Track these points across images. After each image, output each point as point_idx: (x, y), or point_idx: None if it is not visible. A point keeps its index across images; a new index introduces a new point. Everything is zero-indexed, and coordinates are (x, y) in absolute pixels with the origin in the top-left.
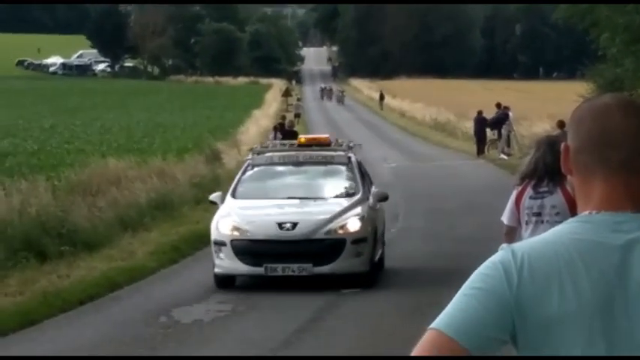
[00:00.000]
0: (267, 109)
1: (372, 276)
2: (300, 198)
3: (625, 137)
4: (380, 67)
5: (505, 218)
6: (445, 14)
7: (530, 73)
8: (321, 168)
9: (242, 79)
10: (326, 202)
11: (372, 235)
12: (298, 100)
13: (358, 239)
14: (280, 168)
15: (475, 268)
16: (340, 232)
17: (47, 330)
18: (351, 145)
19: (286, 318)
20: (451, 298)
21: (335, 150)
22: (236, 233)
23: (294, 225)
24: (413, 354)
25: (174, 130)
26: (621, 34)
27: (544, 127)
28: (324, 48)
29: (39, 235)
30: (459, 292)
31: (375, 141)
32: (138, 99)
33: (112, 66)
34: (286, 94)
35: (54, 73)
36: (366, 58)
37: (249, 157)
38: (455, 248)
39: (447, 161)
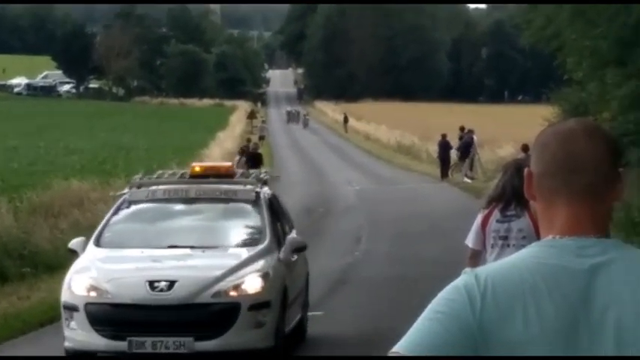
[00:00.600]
0: (231, 131)
1: (279, 353)
2: (185, 247)
3: (590, 162)
4: (346, 90)
5: (470, 241)
6: (412, 38)
7: (495, 96)
8: (219, 206)
9: (207, 101)
10: (220, 252)
11: (279, 298)
12: (263, 122)
13: (258, 304)
14: (165, 206)
15: (439, 292)
16: (233, 294)
17: (6, 351)
18: (263, 176)
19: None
20: (412, 323)
21: (240, 183)
22: (93, 294)
23: (171, 284)
24: None
25: (139, 152)
26: (588, 59)
27: (509, 151)
28: (290, 70)
29: (0, 257)
30: (422, 316)
31: (340, 163)
32: (102, 120)
33: (77, 87)
34: (251, 116)
35: (19, 93)
36: (332, 81)
37: (126, 190)
38: (419, 271)
39: (411, 184)
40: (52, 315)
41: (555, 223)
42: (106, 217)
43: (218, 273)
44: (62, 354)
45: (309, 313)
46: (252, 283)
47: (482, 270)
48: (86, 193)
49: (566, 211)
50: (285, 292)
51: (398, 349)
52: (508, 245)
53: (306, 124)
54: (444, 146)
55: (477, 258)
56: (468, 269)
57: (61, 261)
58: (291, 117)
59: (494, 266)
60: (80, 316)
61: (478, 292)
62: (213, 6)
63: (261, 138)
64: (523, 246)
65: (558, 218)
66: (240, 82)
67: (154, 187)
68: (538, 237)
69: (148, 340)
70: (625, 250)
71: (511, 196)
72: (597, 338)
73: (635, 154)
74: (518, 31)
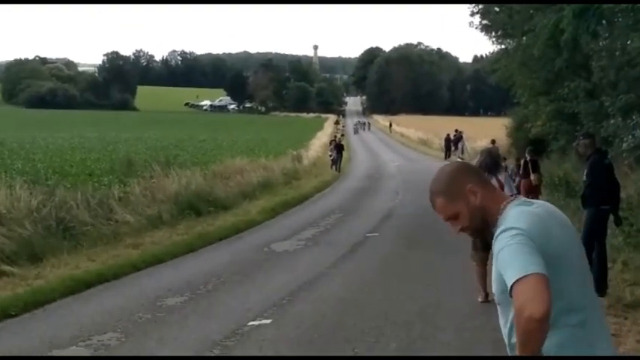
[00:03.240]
0: (325, 132)
1: None
2: None
3: None
4: (389, 108)
5: None
6: (427, 79)
7: (474, 112)
8: None
9: (311, 115)
10: None
11: None
12: (342, 127)
13: None
14: None
15: (443, 223)
16: None
17: (204, 254)
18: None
19: (336, 248)
20: (427, 234)
21: None
22: None
23: None
24: (529, 309)
25: (272, 142)
26: (528, 91)
27: (483, 143)
28: (359, 97)
29: (196, 201)
30: (515, 254)
31: (386, 150)
32: (252, 125)
33: (238, 106)
34: (337, 123)
35: (205, 110)
36: (381, 103)
37: None
38: (430, 207)
39: (426, 162)
40: (226, 234)
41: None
42: None
43: None
44: (232, 255)
45: (369, 234)
46: None
47: (509, 221)
48: (243, 165)
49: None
50: None
51: (529, 271)
52: None
53: (369, 128)
54: (447, 140)
55: None
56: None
57: (230, 204)
58: (357, 127)
59: (512, 217)
60: None
61: (526, 228)
62: (314, 58)
63: (342, 135)
64: None
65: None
66: (330, 103)
67: None
68: None
69: None
70: (536, 201)
71: (485, 168)
72: (566, 234)
73: (555, 145)
74: (489, 74)
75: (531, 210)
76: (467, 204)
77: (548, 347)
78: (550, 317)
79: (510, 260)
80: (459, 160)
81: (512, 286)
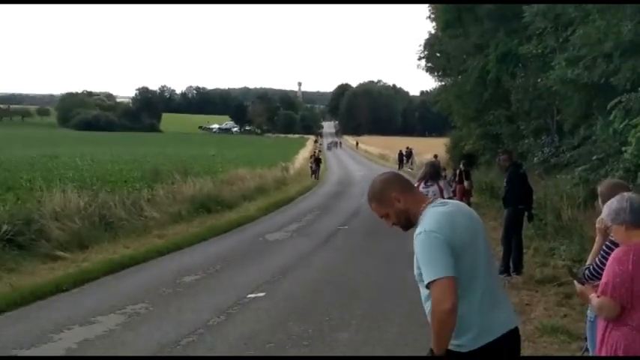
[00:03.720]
0: (307, 148)
1: None
2: None
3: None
4: (356, 130)
5: None
6: (385, 107)
7: (421, 133)
8: None
9: (296, 135)
10: None
11: None
12: (320, 144)
13: None
14: None
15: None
16: None
17: (213, 242)
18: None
19: (315, 238)
20: (383, 224)
21: None
22: None
23: None
24: (441, 305)
25: (265, 157)
26: (462, 117)
27: (427, 157)
28: (332, 122)
29: (207, 202)
30: (430, 254)
31: (353, 163)
32: (251, 143)
33: (240, 129)
34: (316, 142)
35: (214, 132)
36: (350, 126)
37: None
38: None
39: (384, 171)
40: (231, 227)
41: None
42: None
43: None
44: (237, 243)
45: (340, 227)
46: None
47: (427, 224)
48: (243, 174)
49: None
50: None
51: (441, 275)
52: None
53: (340, 146)
54: (400, 155)
55: None
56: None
57: (233, 204)
58: (331, 145)
59: (432, 218)
60: None
61: (444, 229)
62: (299, 92)
63: (320, 151)
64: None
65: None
66: (310, 127)
67: None
68: (441, 196)
69: None
70: (450, 201)
71: (428, 177)
72: (471, 228)
73: (482, 159)
74: (433, 104)
75: (443, 210)
76: (393, 207)
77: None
78: (457, 306)
79: (427, 261)
80: (409, 170)
81: (428, 284)
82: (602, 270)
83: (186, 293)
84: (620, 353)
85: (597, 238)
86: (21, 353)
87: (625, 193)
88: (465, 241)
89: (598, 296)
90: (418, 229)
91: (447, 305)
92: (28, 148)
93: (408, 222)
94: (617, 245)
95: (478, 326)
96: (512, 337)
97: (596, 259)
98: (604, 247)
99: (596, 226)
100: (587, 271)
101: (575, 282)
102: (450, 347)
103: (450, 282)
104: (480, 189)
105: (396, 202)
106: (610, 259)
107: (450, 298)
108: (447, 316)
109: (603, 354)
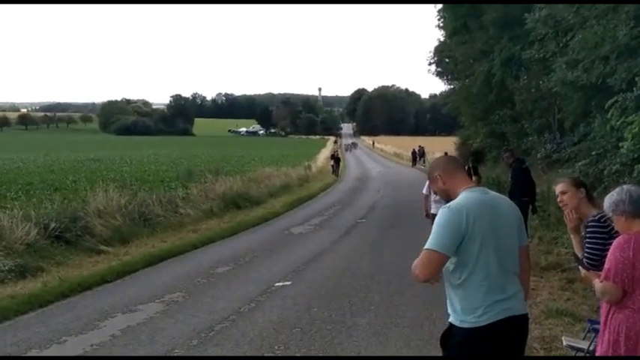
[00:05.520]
0: (327, 148)
1: None
2: None
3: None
4: (372, 131)
5: (424, 190)
6: (399, 110)
7: (432, 133)
8: None
9: (317, 137)
10: None
11: None
12: (339, 145)
13: None
14: None
15: (411, 208)
16: None
17: (242, 236)
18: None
19: (336, 231)
20: (401, 219)
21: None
22: None
23: None
24: (418, 270)
25: (290, 156)
26: (470, 117)
27: (438, 154)
28: (350, 124)
29: (236, 199)
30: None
31: (370, 161)
32: (276, 145)
33: (266, 132)
34: (335, 142)
35: (242, 135)
36: (366, 127)
37: None
38: (403, 201)
39: (398, 168)
40: (258, 222)
41: (462, 185)
42: None
43: None
44: (264, 236)
45: (359, 220)
46: None
47: (454, 202)
48: (269, 173)
49: (465, 179)
50: None
51: (434, 247)
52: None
53: (356, 147)
54: (413, 153)
55: (427, 198)
56: (445, 205)
57: (260, 200)
58: (349, 147)
59: (460, 200)
60: None
61: (464, 211)
62: (319, 97)
63: (339, 151)
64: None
65: (463, 183)
66: (330, 129)
67: None
68: None
69: None
70: (492, 192)
71: None
72: (498, 219)
73: (489, 156)
74: (442, 106)
75: (474, 196)
76: (437, 185)
77: (463, 299)
78: (429, 280)
79: (433, 231)
80: (421, 168)
81: (423, 249)
82: (596, 256)
83: (219, 283)
84: (622, 334)
85: (572, 237)
86: (70, 340)
87: (625, 185)
88: (480, 229)
89: (601, 281)
90: (447, 204)
91: (421, 276)
92: (72, 152)
93: (448, 198)
94: (599, 226)
95: (483, 308)
96: (518, 321)
97: (586, 247)
98: (588, 232)
99: (568, 226)
100: (586, 261)
101: (580, 268)
102: (455, 322)
103: (438, 257)
104: (487, 183)
105: (439, 181)
106: (612, 246)
107: (427, 271)
108: (417, 280)
109: (606, 335)
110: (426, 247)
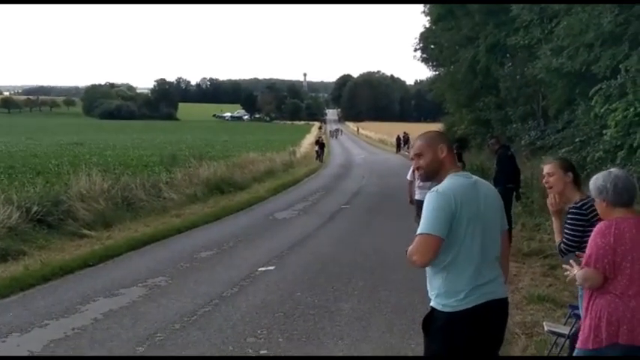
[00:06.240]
0: (312, 134)
1: None
2: None
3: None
4: (357, 117)
5: (408, 176)
6: (384, 96)
7: (417, 119)
8: None
9: (302, 122)
10: None
11: None
12: (323, 131)
13: None
14: None
15: (395, 194)
16: None
17: (226, 221)
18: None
19: (320, 216)
20: (384, 205)
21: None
22: None
23: None
24: (415, 256)
25: (275, 142)
26: (454, 104)
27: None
28: (335, 110)
29: (220, 184)
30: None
31: (355, 147)
32: (261, 130)
33: (250, 117)
34: (320, 128)
35: (227, 119)
36: (351, 113)
37: None
38: (387, 188)
39: (383, 154)
40: (241, 207)
41: (450, 170)
42: None
43: None
44: (248, 221)
45: (343, 206)
46: None
47: (442, 186)
48: (254, 158)
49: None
50: None
51: (429, 231)
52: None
53: (341, 134)
54: (398, 140)
55: (411, 184)
56: (433, 188)
57: (244, 185)
58: (334, 133)
59: (447, 184)
60: None
61: (452, 195)
62: (304, 82)
63: (324, 136)
64: None
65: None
66: (315, 114)
67: None
68: None
69: None
70: (475, 177)
71: None
72: (483, 204)
73: (474, 142)
74: (427, 92)
75: (460, 180)
76: (434, 153)
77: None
78: (428, 264)
79: (425, 216)
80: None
81: (417, 235)
82: (574, 242)
83: (202, 267)
84: (603, 319)
85: (553, 219)
86: (51, 323)
87: (612, 170)
88: (467, 213)
89: (582, 267)
90: (434, 188)
91: (420, 261)
92: (55, 136)
93: (433, 173)
94: (579, 214)
95: (465, 292)
96: (499, 305)
97: (565, 233)
98: (568, 218)
99: (550, 209)
100: (562, 246)
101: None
102: (437, 306)
103: (434, 241)
104: (471, 170)
105: (439, 151)
106: (593, 232)
107: (426, 255)
108: (414, 266)
109: (588, 321)
110: (420, 231)
